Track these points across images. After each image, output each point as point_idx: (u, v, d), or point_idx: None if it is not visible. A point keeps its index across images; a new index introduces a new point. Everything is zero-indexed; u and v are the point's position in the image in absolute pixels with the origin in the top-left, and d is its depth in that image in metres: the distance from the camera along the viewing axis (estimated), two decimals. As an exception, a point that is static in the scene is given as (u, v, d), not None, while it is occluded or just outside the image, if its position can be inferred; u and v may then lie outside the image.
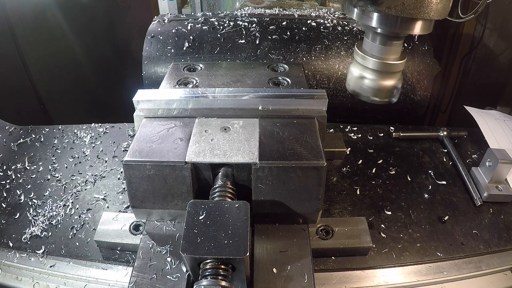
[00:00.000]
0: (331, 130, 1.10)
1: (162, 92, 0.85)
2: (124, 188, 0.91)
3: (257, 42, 1.20)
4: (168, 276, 0.65)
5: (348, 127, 1.13)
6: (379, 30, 0.73)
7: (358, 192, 0.91)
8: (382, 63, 0.76)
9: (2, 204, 0.89)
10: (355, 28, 1.24)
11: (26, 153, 1.04)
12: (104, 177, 0.95)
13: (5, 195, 0.92)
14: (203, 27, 1.24)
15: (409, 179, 0.96)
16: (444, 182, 0.95)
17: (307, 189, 0.68)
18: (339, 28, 1.24)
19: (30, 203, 0.89)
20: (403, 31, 0.71)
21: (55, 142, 1.08)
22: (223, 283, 0.54)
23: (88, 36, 1.91)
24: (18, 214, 0.86)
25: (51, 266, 0.76)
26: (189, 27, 1.24)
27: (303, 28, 1.24)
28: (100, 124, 1.14)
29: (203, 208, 0.61)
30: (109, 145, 1.06)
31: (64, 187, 0.93)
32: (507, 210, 0.88)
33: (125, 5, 2.17)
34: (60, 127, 1.13)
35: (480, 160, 0.95)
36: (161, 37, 1.22)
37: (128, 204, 0.80)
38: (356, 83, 0.81)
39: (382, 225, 0.83)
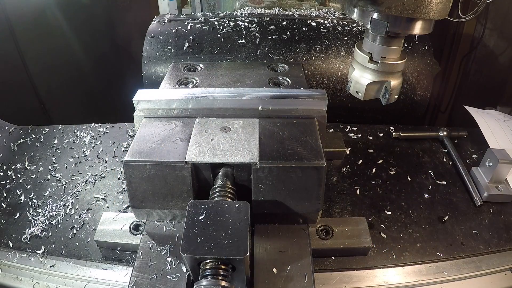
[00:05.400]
0: (331, 130, 1.10)
1: (162, 92, 0.85)
2: (124, 188, 0.91)
3: (257, 42, 1.20)
4: (168, 276, 0.65)
5: (348, 127, 1.13)
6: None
7: (358, 192, 0.91)
8: (382, 63, 0.76)
9: (2, 204, 0.89)
10: (355, 28, 1.24)
11: (26, 153, 1.04)
12: (104, 177, 0.95)
13: (5, 195, 0.92)
14: (203, 27, 1.24)
15: (409, 179, 0.96)
16: (444, 182, 0.95)
17: (307, 189, 0.68)
18: (339, 28, 1.24)
19: (30, 203, 0.88)
20: (403, 31, 0.71)
21: (55, 142, 1.08)
22: (223, 283, 0.54)
23: (88, 36, 1.91)
24: (18, 214, 0.86)
25: (51, 266, 0.76)
26: (189, 27, 1.24)
27: (303, 28, 1.24)
28: (100, 124, 1.14)
29: (203, 208, 0.61)
30: (109, 145, 1.06)
31: (64, 187, 0.93)
32: (507, 210, 0.88)
33: (125, 5, 2.17)
34: (60, 127, 1.13)
35: (480, 160, 0.95)
36: (161, 37, 1.22)
37: (128, 204, 0.80)
38: (356, 82, 0.81)
39: (382, 225, 0.83)
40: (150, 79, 1.21)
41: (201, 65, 1.02)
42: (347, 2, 0.76)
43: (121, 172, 0.96)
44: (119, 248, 0.77)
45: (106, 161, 1.00)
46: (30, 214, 0.86)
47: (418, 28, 0.70)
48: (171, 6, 2.01)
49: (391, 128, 1.12)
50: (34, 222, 0.84)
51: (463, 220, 0.86)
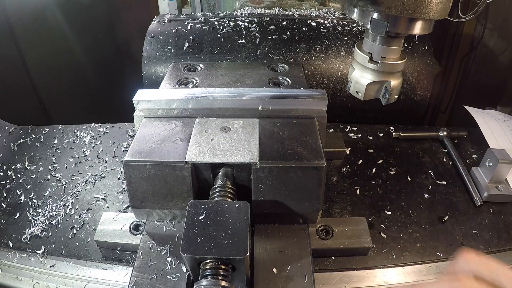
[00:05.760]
0: (331, 130, 1.10)
1: (162, 92, 0.85)
2: (124, 188, 0.91)
3: (257, 42, 1.20)
4: (168, 276, 0.65)
5: (348, 127, 1.13)
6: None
7: (358, 192, 0.91)
8: (382, 63, 0.76)
9: (2, 204, 0.89)
10: (355, 28, 1.24)
11: (26, 153, 1.04)
12: (104, 177, 0.95)
13: (5, 195, 0.92)
14: (203, 27, 1.24)
15: (409, 179, 0.96)
16: (444, 182, 0.95)
17: (307, 189, 0.68)
18: (339, 28, 1.24)
19: (30, 203, 0.88)
20: (403, 31, 0.71)
21: (55, 142, 1.08)
22: (223, 283, 0.54)
23: (88, 36, 1.91)
24: (18, 214, 0.86)
25: (51, 266, 0.76)
26: (189, 27, 1.24)
27: (303, 28, 1.24)
28: (100, 124, 1.14)
29: (203, 208, 0.61)
30: (109, 145, 1.06)
31: (64, 187, 0.93)
32: (507, 210, 0.88)
33: (125, 5, 2.17)
34: (60, 127, 1.13)
35: (480, 160, 0.95)
36: (161, 37, 1.22)
37: (128, 204, 0.80)
38: (356, 82, 0.81)
39: (382, 225, 0.83)
40: (150, 79, 1.21)
41: (201, 65, 1.02)
42: (347, 2, 0.76)
43: (121, 172, 0.96)
44: (119, 248, 0.77)
45: (106, 161, 1.00)
46: (30, 214, 0.86)
47: (418, 28, 0.70)
48: (171, 6, 2.01)
49: (391, 128, 1.13)
50: (34, 222, 0.84)
51: (463, 220, 0.86)
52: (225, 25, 1.24)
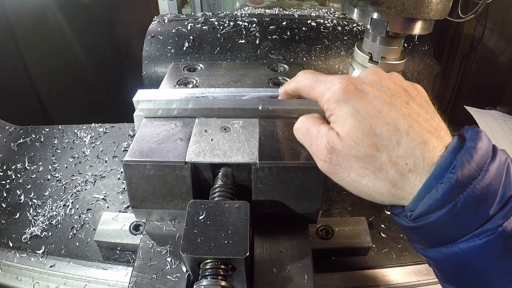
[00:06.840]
0: (331, 130, 1.10)
1: (162, 92, 0.85)
2: (124, 188, 0.91)
3: (257, 42, 1.20)
4: (168, 276, 0.65)
5: (348, 127, 1.13)
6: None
7: (358, 192, 0.91)
8: (382, 63, 0.76)
9: (2, 204, 0.89)
10: (355, 28, 1.24)
11: (26, 153, 1.04)
12: (104, 177, 0.95)
13: (5, 195, 0.92)
14: (203, 27, 1.24)
15: (409, 179, 0.96)
16: (444, 182, 0.95)
17: (307, 189, 0.68)
18: (339, 28, 1.24)
19: (30, 203, 0.89)
20: (403, 31, 0.71)
21: (55, 142, 1.08)
22: (223, 283, 0.54)
23: (88, 36, 1.92)
24: (18, 214, 0.86)
25: (51, 266, 0.76)
26: (189, 27, 1.24)
27: (303, 28, 1.24)
28: (100, 124, 1.14)
29: (203, 208, 0.61)
30: (109, 145, 1.06)
31: (64, 187, 0.93)
32: (507, 210, 0.88)
33: (125, 5, 2.18)
34: (60, 127, 1.13)
35: (480, 160, 0.94)
36: (161, 37, 1.22)
37: (128, 204, 0.80)
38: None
39: (382, 225, 0.83)
40: (150, 79, 1.21)
41: (201, 65, 1.02)
42: (347, 2, 0.76)
43: (121, 172, 0.96)
44: (119, 248, 0.77)
45: (106, 161, 1.00)
46: (30, 214, 0.86)
47: (418, 28, 0.70)
48: (171, 6, 2.01)
49: (391, 128, 1.12)
50: (34, 222, 0.84)
51: (463, 220, 0.86)
52: (225, 25, 1.24)
